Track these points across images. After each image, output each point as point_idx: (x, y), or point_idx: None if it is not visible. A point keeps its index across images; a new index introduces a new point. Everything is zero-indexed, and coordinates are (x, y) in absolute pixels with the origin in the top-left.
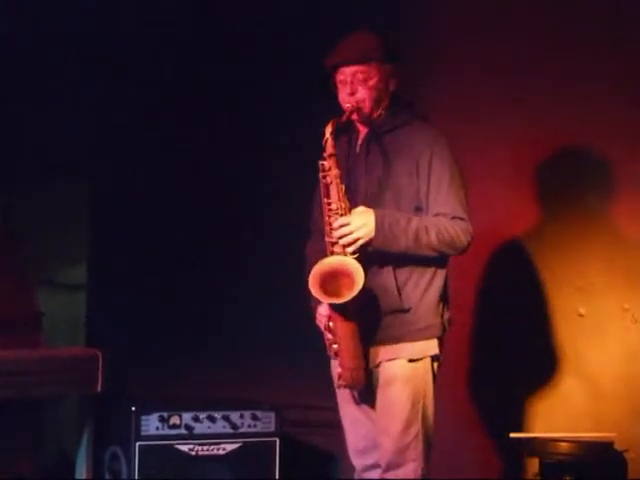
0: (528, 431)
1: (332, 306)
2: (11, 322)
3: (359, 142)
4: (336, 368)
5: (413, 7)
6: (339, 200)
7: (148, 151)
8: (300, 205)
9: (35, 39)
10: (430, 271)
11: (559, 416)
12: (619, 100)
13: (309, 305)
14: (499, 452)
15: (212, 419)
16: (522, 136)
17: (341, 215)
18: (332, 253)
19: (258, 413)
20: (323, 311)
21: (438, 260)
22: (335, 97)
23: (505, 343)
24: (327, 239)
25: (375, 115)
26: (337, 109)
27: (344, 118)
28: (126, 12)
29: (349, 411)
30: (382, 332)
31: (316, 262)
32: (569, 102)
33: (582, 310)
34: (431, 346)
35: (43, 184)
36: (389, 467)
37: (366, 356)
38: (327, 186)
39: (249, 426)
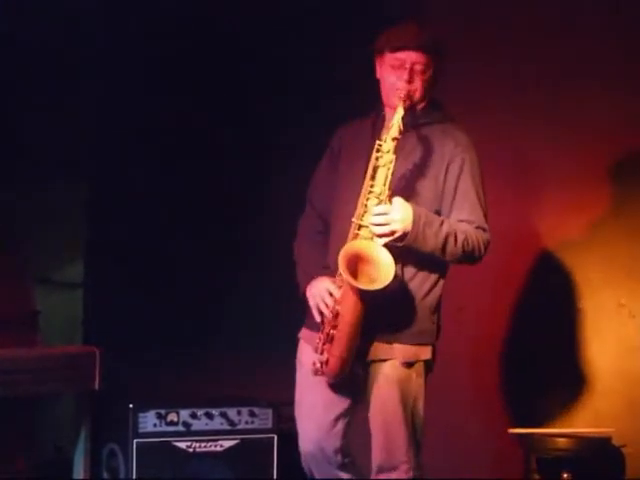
0: (526, 427)
1: (358, 291)
2: (8, 320)
3: (385, 131)
4: (309, 352)
5: (409, 6)
6: (384, 185)
7: (146, 150)
8: (301, 205)
9: (35, 39)
10: (434, 277)
11: (557, 411)
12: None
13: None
14: (497, 448)
15: (209, 416)
16: (522, 135)
17: (381, 201)
18: (356, 236)
19: (255, 410)
20: (323, 289)
21: (442, 268)
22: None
23: (502, 339)
24: (355, 220)
25: (418, 108)
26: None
27: (405, 103)
28: (127, 12)
29: (309, 401)
30: (378, 329)
31: (310, 240)
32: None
33: (580, 305)
34: (424, 351)
35: (41, 183)
36: (381, 469)
37: (358, 351)
38: (376, 168)
39: (246, 423)
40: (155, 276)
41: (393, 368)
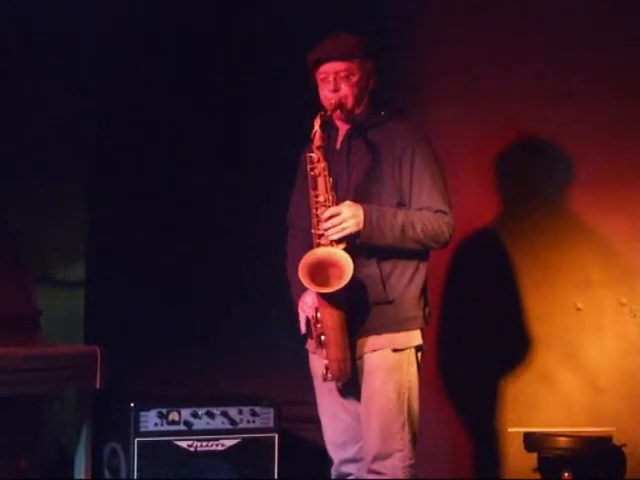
0: (526, 426)
1: (321, 296)
2: (9, 319)
3: (340, 139)
4: (316, 361)
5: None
6: (326, 192)
7: (147, 150)
8: None
9: (35, 39)
10: (413, 265)
11: (557, 411)
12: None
13: (291, 295)
14: (498, 446)
15: (211, 415)
16: (521, 133)
17: (328, 207)
18: (318, 245)
19: (257, 409)
20: (310, 301)
21: (421, 254)
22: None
23: (503, 338)
24: (313, 231)
25: (356, 112)
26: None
27: (329, 113)
28: (127, 10)
29: (328, 404)
30: (365, 323)
31: (297, 258)
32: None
33: (580, 305)
34: (414, 337)
35: (43, 182)
36: (376, 458)
37: (352, 348)
38: (315, 178)
39: (248, 422)
40: (156, 275)
41: (385, 357)
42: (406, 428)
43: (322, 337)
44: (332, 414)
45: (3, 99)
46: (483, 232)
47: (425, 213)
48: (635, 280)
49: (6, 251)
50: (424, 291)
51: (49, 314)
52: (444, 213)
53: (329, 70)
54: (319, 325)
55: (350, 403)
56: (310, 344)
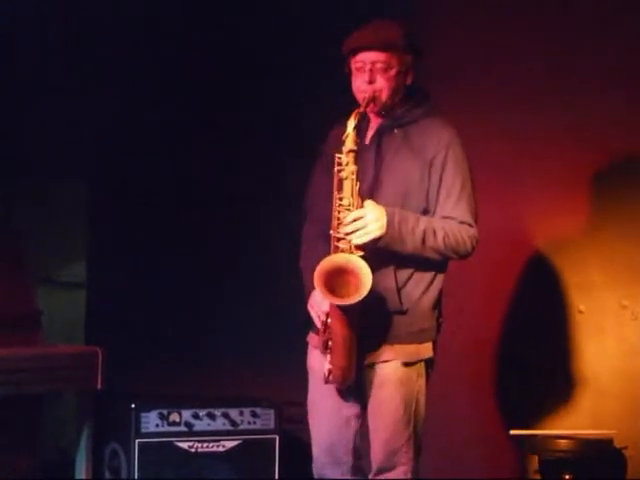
0: (527, 428)
1: (338, 306)
2: (10, 320)
3: (370, 133)
4: (317, 357)
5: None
6: (352, 196)
7: (147, 150)
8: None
9: (35, 39)
10: (430, 274)
11: (558, 413)
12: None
13: (301, 286)
14: (499, 449)
15: (212, 416)
16: (521, 134)
17: (351, 212)
18: (336, 249)
19: (258, 410)
20: (319, 300)
21: (439, 265)
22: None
23: (503, 341)
24: (333, 233)
25: (391, 107)
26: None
27: (362, 109)
28: (126, 10)
29: (322, 405)
30: (378, 332)
31: (313, 247)
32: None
33: (582, 307)
34: (425, 350)
35: (43, 183)
36: (380, 471)
37: (359, 355)
38: (341, 181)
39: (249, 423)
40: (156, 275)
41: (395, 369)
42: (411, 442)
43: (329, 342)
44: (322, 414)
45: (3, 99)
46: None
47: (449, 222)
48: (637, 283)
49: (7, 251)
50: (438, 302)
51: (50, 314)
52: (469, 225)
53: (366, 60)
54: (328, 330)
55: (342, 407)
56: (312, 338)
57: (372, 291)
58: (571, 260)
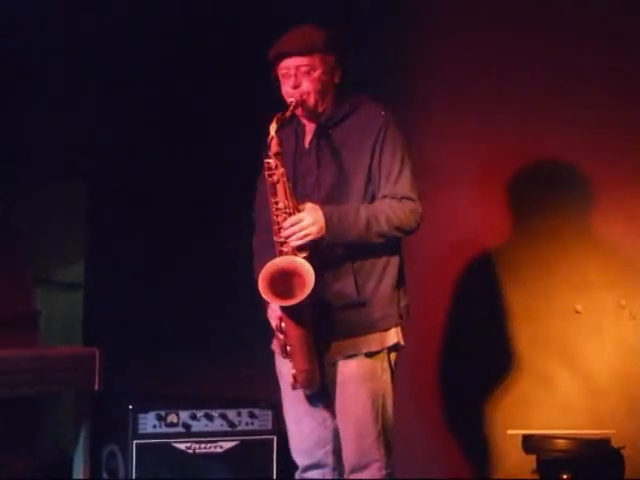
0: (525, 428)
1: (283, 308)
2: (8, 320)
3: (308, 137)
4: (283, 364)
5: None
6: (286, 199)
7: (146, 150)
8: None
9: (35, 39)
10: (383, 260)
11: (556, 413)
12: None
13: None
14: (496, 448)
15: (209, 417)
16: (521, 135)
17: (289, 214)
18: (281, 253)
19: (255, 411)
20: (278, 311)
21: (389, 248)
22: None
23: (503, 340)
24: (275, 238)
25: (321, 109)
26: None
27: (288, 113)
28: (124, 13)
29: (294, 409)
30: (337, 328)
31: (263, 256)
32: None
33: (579, 307)
34: (388, 337)
35: (41, 183)
36: (353, 469)
37: (321, 354)
38: (274, 185)
39: (246, 424)
40: (156, 276)
41: (358, 366)
42: (381, 439)
43: (287, 347)
44: (297, 418)
45: (3, 99)
46: (482, 234)
47: (389, 202)
48: (634, 283)
49: (6, 251)
50: (399, 285)
51: (48, 315)
52: (410, 200)
53: (290, 65)
54: (284, 334)
55: (316, 408)
56: (276, 345)
57: (328, 286)
58: (569, 260)
